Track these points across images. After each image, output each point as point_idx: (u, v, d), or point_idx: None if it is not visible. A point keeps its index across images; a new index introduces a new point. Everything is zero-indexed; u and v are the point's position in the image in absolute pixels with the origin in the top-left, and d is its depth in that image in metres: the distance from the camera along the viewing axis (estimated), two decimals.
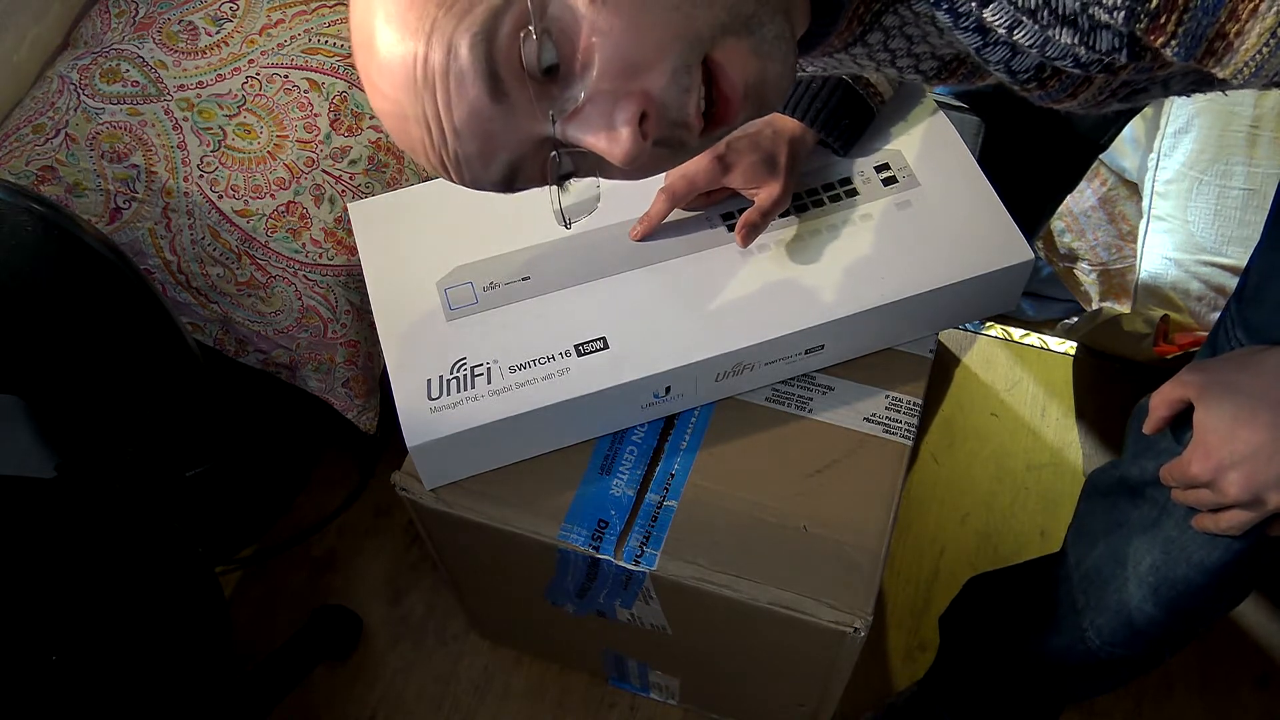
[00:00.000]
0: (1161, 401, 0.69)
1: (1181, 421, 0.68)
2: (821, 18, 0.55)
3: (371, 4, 0.49)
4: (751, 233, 0.84)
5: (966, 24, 0.51)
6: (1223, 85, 0.60)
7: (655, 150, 0.51)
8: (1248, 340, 0.67)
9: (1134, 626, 0.77)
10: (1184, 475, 0.66)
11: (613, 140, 0.49)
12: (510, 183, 0.53)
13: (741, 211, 0.86)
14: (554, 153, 0.51)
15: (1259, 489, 0.62)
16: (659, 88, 0.48)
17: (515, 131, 0.50)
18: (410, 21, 0.47)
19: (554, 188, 0.55)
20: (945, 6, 0.50)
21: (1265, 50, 0.44)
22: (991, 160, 0.93)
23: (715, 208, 0.89)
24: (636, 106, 0.48)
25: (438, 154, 0.51)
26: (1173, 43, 0.46)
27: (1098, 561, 0.79)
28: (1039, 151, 1.11)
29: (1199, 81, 0.59)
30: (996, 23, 0.49)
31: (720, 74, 0.49)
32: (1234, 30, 0.44)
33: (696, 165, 0.83)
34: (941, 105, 0.96)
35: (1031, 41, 0.49)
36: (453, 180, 0.53)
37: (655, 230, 0.87)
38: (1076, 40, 0.48)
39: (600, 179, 0.56)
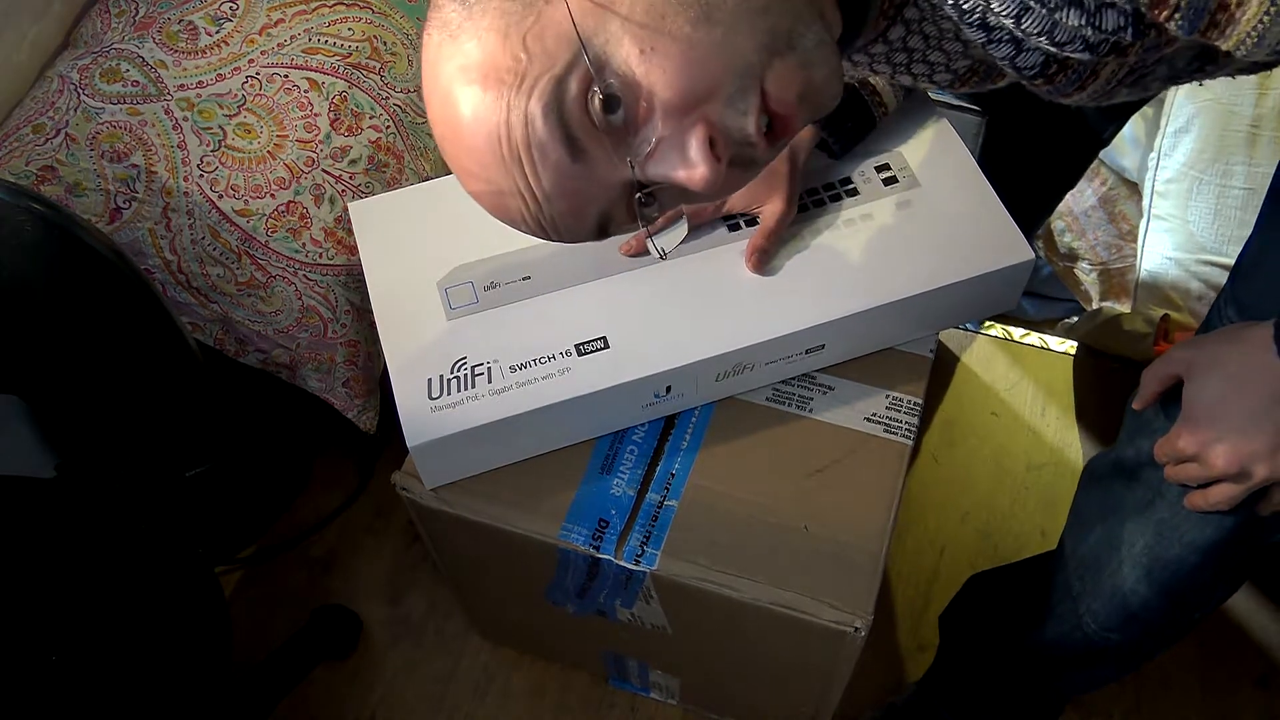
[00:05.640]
0: (1152, 377, 0.70)
1: (1173, 398, 0.69)
2: (851, 17, 0.57)
3: (449, 98, 0.53)
4: (763, 258, 0.84)
5: (971, 20, 0.52)
6: (1228, 64, 0.60)
7: (729, 170, 0.54)
8: (1238, 317, 0.68)
9: (1128, 610, 0.78)
10: (1172, 449, 0.67)
11: (691, 170, 0.52)
12: (604, 231, 0.58)
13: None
14: (638, 194, 0.55)
15: (1244, 461, 0.63)
16: (718, 114, 0.52)
17: (599, 183, 0.54)
18: (488, 104, 0.51)
19: (646, 226, 0.59)
20: (951, 1, 0.51)
21: (1266, 19, 0.45)
22: (994, 156, 0.93)
23: None
24: (705, 135, 0.51)
25: (535, 220, 0.56)
26: (1176, 16, 0.47)
27: (1093, 546, 0.80)
28: (1043, 146, 1.11)
29: (1203, 61, 0.60)
30: (1003, 13, 0.50)
31: (772, 96, 0.52)
32: (1235, 1, 0.45)
33: None
34: (942, 105, 0.96)
35: (1040, 28, 0.50)
36: (553, 240, 0.58)
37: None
38: (1084, 21, 0.49)
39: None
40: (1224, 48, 0.48)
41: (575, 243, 0.58)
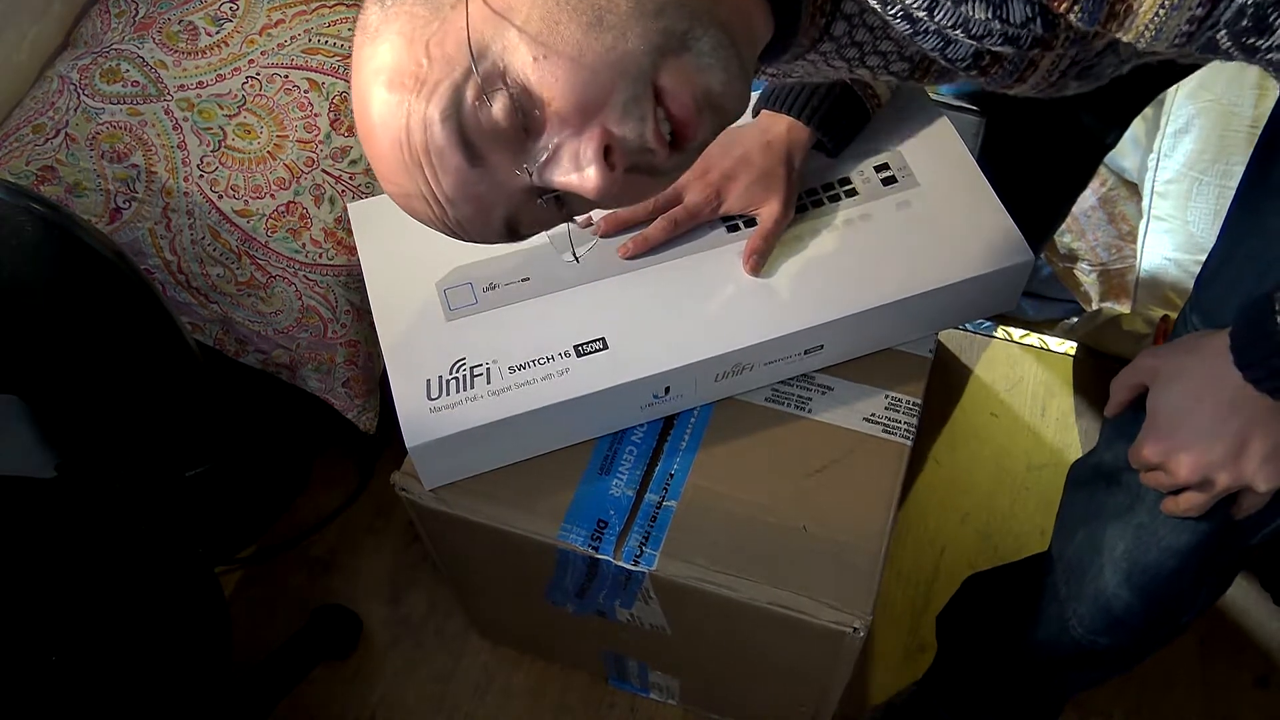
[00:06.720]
0: (1120, 385, 0.70)
1: (1143, 405, 0.69)
2: (784, 19, 0.56)
3: (364, 100, 0.53)
4: (760, 260, 0.84)
5: (894, 12, 0.52)
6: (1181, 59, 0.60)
7: (630, 177, 0.54)
8: (1201, 324, 0.68)
9: (1112, 614, 0.78)
10: (1137, 458, 0.67)
11: (584, 178, 0.52)
12: (514, 233, 0.58)
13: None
14: (540, 199, 0.55)
15: (1206, 470, 0.63)
16: (614, 121, 0.51)
17: (501, 189, 0.54)
18: (391, 109, 0.52)
19: (559, 229, 0.59)
20: None
21: (1162, 12, 0.45)
22: (999, 166, 0.93)
23: None
24: (599, 143, 0.51)
25: (442, 222, 0.56)
26: (1075, 9, 0.47)
27: (1077, 550, 0.80)
28: (1045, 154, 1.10)
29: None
30: (915, 6, 0.50)
31: (668, 97, 0.52)
32: None
33: (697, 197, 0.85)
34: (941, 105, 0.96)
35: (951, 21, 0.50)
36: (464, 241, 0.58)
37: (647, 251, 0.86)
38: (990, 14, 0.49)
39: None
40: (1125, 39, 0.48)
41: (487, 244, 0.59)
